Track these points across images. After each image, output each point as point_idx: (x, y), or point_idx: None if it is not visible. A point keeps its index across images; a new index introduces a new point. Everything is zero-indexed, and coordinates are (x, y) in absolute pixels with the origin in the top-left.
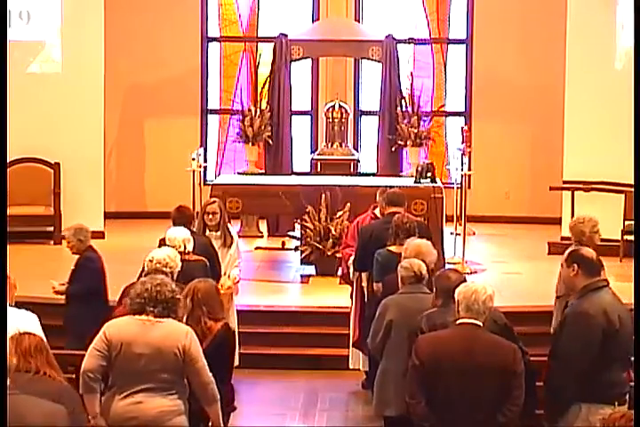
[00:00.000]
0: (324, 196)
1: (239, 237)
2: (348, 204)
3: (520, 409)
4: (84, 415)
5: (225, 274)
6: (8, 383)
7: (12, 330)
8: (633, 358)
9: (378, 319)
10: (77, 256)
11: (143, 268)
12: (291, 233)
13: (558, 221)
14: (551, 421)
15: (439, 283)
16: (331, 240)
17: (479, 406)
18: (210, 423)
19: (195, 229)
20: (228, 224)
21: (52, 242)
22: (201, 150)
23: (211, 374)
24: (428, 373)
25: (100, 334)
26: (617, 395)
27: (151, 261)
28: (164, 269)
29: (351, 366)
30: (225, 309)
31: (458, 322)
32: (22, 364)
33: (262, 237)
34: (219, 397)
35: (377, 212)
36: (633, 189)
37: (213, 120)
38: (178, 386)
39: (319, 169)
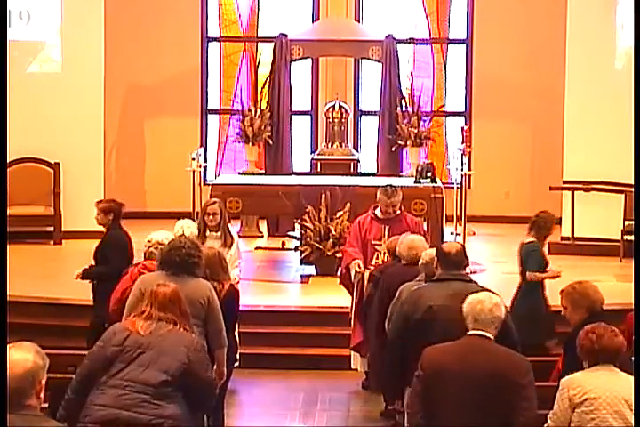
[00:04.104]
0: (324, 196)
1: (239, 237)
2: (348, 204)
3: (532, 421)
4: (207, 367)
5: None
6: (142, 327)
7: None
8: (633, 358)
9: (394, 303)
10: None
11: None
12: (291, 233)
13: (558, 221)
14: (389, 400)
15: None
16: (331, 240)
17: (479, 418)
18: (214, 366)
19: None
20: (229, 224)
21: (51, 242)
22: (201, 150)
23: (223, 323)
24: (430, 382)
25: (134, 291)
26: None
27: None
28: None
29: (353, 367)
30: None
31: (468, 333)
32: (159, 314)
33: (262, 237)
34: (226, 343)
35: (377, 212)
36: (633, 189)
37: (213, 120)
38: (201, 329)
39: (319, 169)
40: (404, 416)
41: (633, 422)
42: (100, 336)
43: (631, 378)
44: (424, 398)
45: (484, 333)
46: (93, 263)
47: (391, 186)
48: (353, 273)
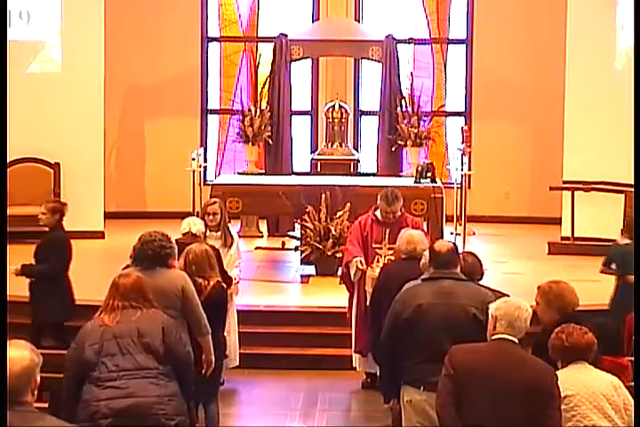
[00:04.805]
0: (324, 196)
1: (239, 237)
2: (348, 204)
3: None
4: (181, 342)
5: None
6: (109, 319)
7: None
8: (633, 358)
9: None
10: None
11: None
12: (291, 233)
13: (558, 221)
14: (385, 396)
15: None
16: (331, 240)
17: (508, 422)
18: (203, 355)
19: None
20: (229, 224)
21: None
22: (201, 150)
23: (202, 311)
24: (461, 382)
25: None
26: (423, 382)
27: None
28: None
29: (354, 365)
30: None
31: (495, 337)
32: (122, 303)
33: (262, 237)
34: (210, 330)
35: (378, 213)
36: (633, 189)
37: (213, 120)
38: (180, 319)
39: (319, 169)
40: (401, 415)
41: (616, 417)
42: (41, 335)
43: (606, 374)
44: (455, 397)
45: (514, 338)
46: (33, 262)
47: (392, 192)
48: (353, 271)
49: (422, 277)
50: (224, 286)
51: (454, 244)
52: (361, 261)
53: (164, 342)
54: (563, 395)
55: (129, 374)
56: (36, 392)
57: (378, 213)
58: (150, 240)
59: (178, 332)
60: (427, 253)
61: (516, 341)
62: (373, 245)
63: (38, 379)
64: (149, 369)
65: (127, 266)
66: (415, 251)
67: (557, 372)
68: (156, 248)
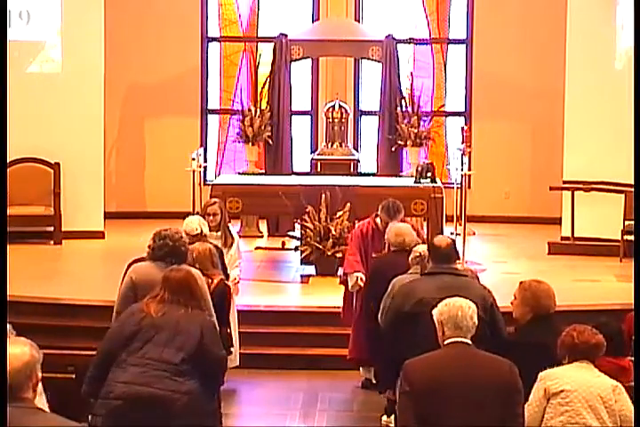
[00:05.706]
0: (324, 196)
1: (239, 237)
2: (348, 204)
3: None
4: (219, 344)
5: None
6: (154, 309)
7: None
8: (633, 358)
9: (387, 296)
10: None
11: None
12: (291, 233)
13: (558, 221)
14: (381, 388)
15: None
16: (331, 240)
17: (486, 423)
18: None
19: None
20: (229, 224)
21: (51, 242)
22: (201, 150)
23: (212, 309)
24: (424, 397)
25: (127, 280)
26: None
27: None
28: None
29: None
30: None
31: (447, 342)
32: (170, 296)
33: (262, 237)
34: (218, 328)
35: (378, 220)
36: (633, 189)
37: (213, 120)
38: None
39: (319, 169)
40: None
41: (608, 421)
42: None
43: (609, 378)
44: (418, 413)
45: (466, 340)
46: None
47: (394, 204)
48: (351, 283)
49: (422, 271)
50: (227, 283)
51: (453, 239)
52: (361, 279)
53: (201, 343)
54: (560, 389)
55: (152, 364)
56: (37, 389)
57: (378, 220)
58: (178, 238)
59: (215, 334)
60: (416, 248)
61: (469, 342)
62: (373, 255)
63: (40, 375)
64: (172, 364)
65: (135, 261)
66: (404, 242)
67: (560, 367)
68: (185, 245)
